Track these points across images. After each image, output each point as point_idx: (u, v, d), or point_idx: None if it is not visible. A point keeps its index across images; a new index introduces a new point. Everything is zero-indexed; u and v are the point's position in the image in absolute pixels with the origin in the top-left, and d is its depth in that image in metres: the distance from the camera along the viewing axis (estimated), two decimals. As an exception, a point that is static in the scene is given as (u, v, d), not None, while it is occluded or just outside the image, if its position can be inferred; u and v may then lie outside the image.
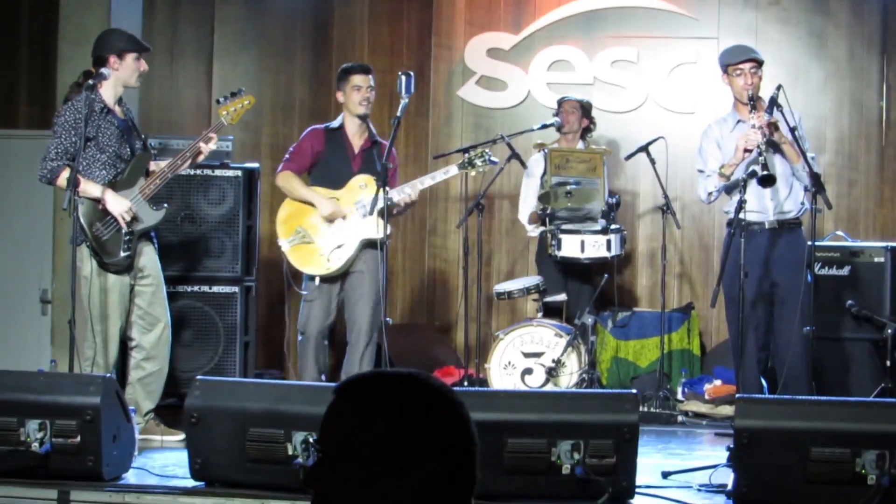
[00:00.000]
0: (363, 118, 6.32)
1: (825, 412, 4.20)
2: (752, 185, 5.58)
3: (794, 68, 7.87)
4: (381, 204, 5.96)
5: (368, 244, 6.18)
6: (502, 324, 7.78)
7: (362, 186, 6.23)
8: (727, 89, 6.00)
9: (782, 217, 5.88)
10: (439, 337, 8.08)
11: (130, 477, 4.62)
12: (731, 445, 4.30)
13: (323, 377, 6.26)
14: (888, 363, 6.40)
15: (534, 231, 7.39)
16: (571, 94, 7.52)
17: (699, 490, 4.58)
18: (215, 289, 6.86)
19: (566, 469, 4.11)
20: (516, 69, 8.20)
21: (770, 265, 5.85)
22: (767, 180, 5.52)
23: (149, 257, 5.78)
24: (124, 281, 5.69)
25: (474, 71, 8.25)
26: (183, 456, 4.54)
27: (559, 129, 7.30)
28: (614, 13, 8.12)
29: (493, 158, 6.38)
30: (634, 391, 4.68)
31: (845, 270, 6.70)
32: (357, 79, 6.28)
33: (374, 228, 6.13)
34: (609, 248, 6.81)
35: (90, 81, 5.57)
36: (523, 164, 7.20)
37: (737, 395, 4.71)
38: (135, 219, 5.64)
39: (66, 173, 5.50)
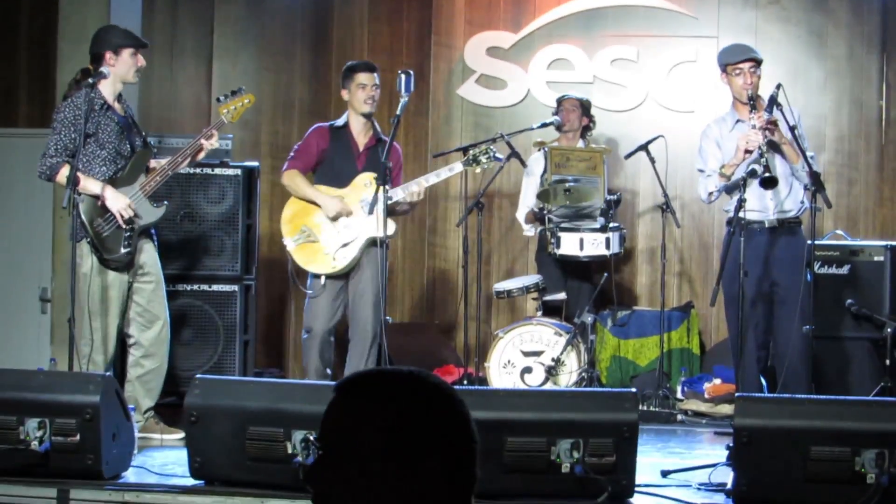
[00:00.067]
0: (368, 116, 6.32)
1: (825, 411, 4.19)
2: (753, 184, 5.58)
3: (793, 67, 7.86)
4: (381, 202, 5.96)
5: (373, 242, 6.17)
6: (502, 322, 7.78)
7: (367, 184, 6.22)
8: (727, 88, 6.00)
9: (782, 216, 5.87)
10: (439, 336, 8.08)
11: (130, 475, 4.62)
12: (731, 444, 4.29)
13: (329, 371, 6.28)
14: (888, 362, 6.39)
15: (530, 230, 7.38)
16: (571, 92, 7.51)
17: (699, 489, 4.57)
18: (215, 287, 6.86)
19: (566, 468, 4.11)
20: (516, 68, 8.20)
21: (770, 264, 5.84)
22: (769, 182, 5.51)
23: (149, 254, 5.78)
24: (123, 278, 5.68)
25: (474, 70, 8.25)
26: (182, 454, 4.53)
27: (559, 127, 7.29)
28: (614, 12, 8.12)
29: (497, 155, 6.37)
30: (634, 390, 4.69)
31: (845, 269, 6.70)
32: (362, 77, 6.27)
33: (380, 226, 6.13)
34: (608, 246, 6.81)
35: (90, 80, 5.56)
36: (523, 163, 7.19)
37: (736, 394, 4.70)
38: (135, 215, 5.64)
39: (65, 170, 5.50)
